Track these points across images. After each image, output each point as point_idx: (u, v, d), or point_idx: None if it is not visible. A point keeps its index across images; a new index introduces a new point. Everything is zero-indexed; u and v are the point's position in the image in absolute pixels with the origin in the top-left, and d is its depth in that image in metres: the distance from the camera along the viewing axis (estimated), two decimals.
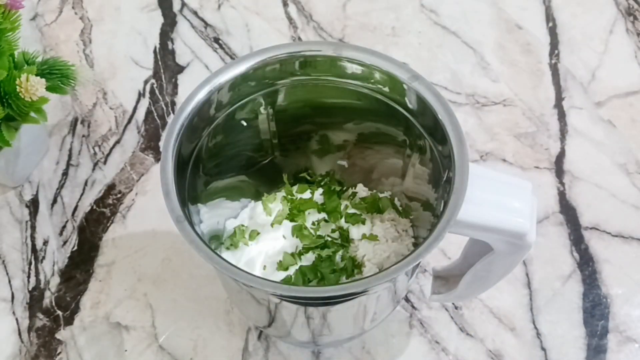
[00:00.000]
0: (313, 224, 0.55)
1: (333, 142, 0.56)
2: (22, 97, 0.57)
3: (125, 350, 0.59)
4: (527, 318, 0.60)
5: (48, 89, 0.59)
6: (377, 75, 0.49)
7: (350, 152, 0.57)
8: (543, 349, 0.59)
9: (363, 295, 0.46)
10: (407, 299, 0.61)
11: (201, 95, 0.48)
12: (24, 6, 0.59)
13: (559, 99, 0.72)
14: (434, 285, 0.55)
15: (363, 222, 0.55)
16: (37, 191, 0.67)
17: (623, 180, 0.67)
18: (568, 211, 0.65)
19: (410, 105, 0.49)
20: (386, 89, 0.49)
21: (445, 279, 0.54)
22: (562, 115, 0.71)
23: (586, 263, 0.63)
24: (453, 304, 0.61)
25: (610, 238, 0.64)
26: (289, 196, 0.57)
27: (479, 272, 0.50)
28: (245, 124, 0.52)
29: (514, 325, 0.60)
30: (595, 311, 0.60)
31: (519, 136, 0.69)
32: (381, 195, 0.57)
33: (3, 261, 0.64)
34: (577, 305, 0.61)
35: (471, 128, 0.70)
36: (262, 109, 0.52)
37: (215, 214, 0.54)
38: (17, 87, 0.56)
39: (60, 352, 0.59)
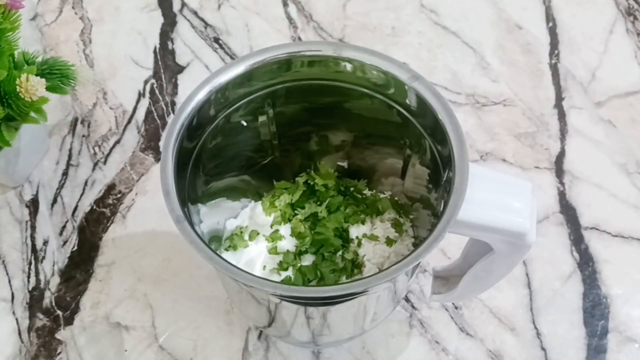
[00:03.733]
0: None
1: (333, 142, 0.56)
2: (22, 97, 0.57)
3: (125, 350, 0.59)
4: (527, 318, 0.60)
5: (48, 89, 0.59)
6: (377, 75, 0.49)
7: (350, 153, 0.57)
8: (543, 349, 0.59)
9: (363, 295, 0.46)
10: (407, 299, 0.61)
11: (201, 95, 0.47)
12: (24, 6, 0.59)
13: (559, 99, 0.72)
14: (434, 285, 0.55)
15: (363, 222, 0.55)
16: (37, 191, 0.67)
17: (623, 180, 0.67)
18: (568, 211, 0.65)
19: (410, 106, 0.49)
20: (386, 89, 0.49)
21: (445, 279, 0.54)
22: (562, 115, 0.71)
23: (586, 263, 0.63)
24: (453, 304, 0.61)
25: (610, 238, 0.64)
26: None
27: (479, 272, 0.50)
28: (245, 124, 0.52)
29: (514, 325, 0.60)
30: (595, 311, 0.60)
31: (519, 136, 0.69)
32: (381, 195, 0.57)
33: (3, 261, 0.64)
34: (577, 305, 0.61)
35: (471, 128, 0.70)
36: (262, 109, 0.52)
37: (216, 214, 0.54)
38: (17, 87, 0.56)
39: (60, 352, 0.59)
